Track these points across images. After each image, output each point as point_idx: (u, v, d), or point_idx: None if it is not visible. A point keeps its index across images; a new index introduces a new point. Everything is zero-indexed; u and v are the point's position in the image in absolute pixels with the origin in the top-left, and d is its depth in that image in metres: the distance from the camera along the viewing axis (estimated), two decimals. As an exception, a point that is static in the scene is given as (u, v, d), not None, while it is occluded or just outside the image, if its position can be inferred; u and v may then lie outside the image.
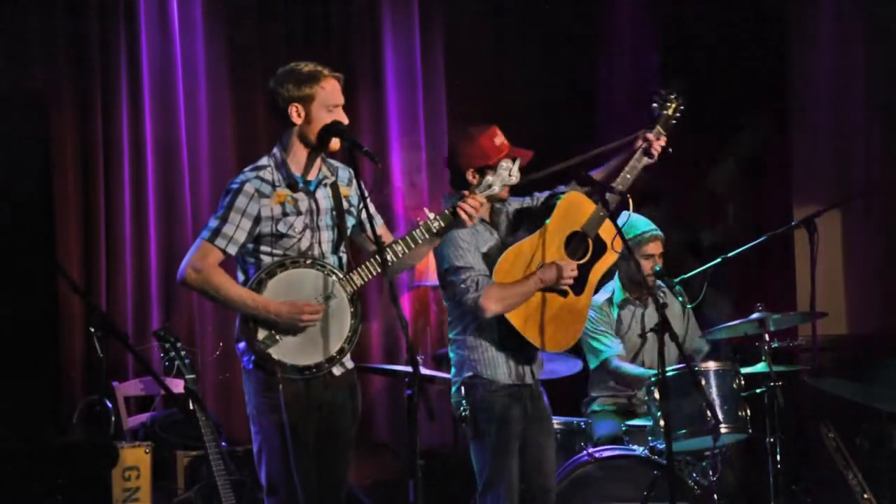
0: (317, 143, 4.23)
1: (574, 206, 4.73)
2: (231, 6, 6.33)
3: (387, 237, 4.36)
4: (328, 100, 4.22)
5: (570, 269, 4.67)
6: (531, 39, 7.22)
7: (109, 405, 5.59)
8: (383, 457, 6.42)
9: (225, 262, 4.24)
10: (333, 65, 6.47)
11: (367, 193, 4.27)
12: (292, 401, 4.09)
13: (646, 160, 4.83)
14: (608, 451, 5.26)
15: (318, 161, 4.28)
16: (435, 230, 4.29)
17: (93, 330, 3.82)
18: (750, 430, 5.21)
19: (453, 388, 4.75)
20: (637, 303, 5.88)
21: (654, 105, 4.94)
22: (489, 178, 4.38)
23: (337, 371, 4.26)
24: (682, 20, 7.25)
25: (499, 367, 4.67)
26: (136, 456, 5.33)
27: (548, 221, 4.71)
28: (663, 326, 4.48)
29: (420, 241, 4.27)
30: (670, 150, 4.86)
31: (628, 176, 4.80)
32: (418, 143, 6.83)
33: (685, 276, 5.66)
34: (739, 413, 5.18)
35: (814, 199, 6.69)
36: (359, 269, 4.22)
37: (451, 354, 4.77)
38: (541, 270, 4.64)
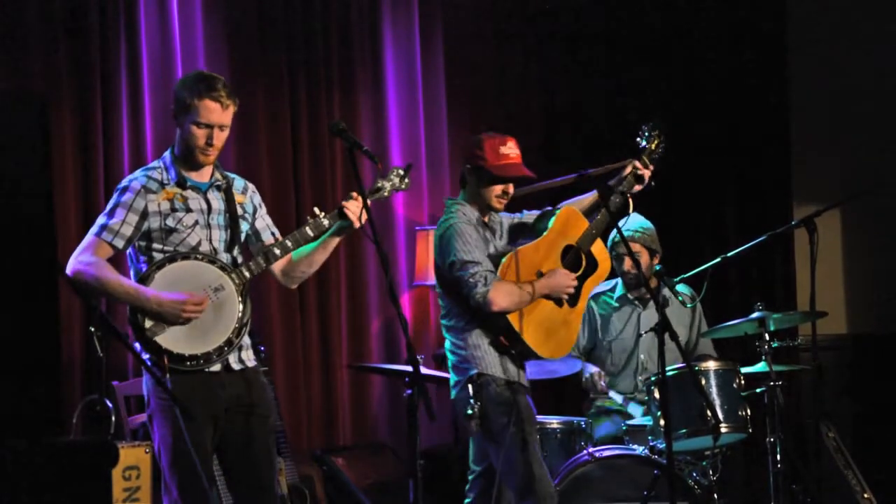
0: (184, 153, 4.31)
1: (569, 221, 4.84)
2: (231, 6, 6.33)
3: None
4: (197, 116, 4.26)
5: (572, 280, 4.77)
6: (531, 40, 7.22)
7: (109, 405, 5.58)
8: (383, 457, 6.41)
9: (120, 262, 4.37)
10: (333, 64, 6.59)
11: (367, 195, 4.31)
12: (187, 401, 4.08)
13: (637, 186, 4.99)
14: (608, 451, 5.26)
15: (210, 167, 4.36)
16: (326, 227, 4.35)
17: (93, 330, 3.82)
18: (750, 430, 5.21)
19: (456, 389, 4.75)
20: (637, 303, 5.88)
21: (638, 139, 5.11)
22: (380, 181, 4.50)
23: (236, 366, 4.31)
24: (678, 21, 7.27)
25: (499, 366, 4.70)
26: (136, 456, 5.32)
27: (546, 233, 4.80)
28: (663, 326, 4.48)
29: (311, 236, 4.34)
30: (653, 184, 5.03)
31: (617, 200, 4.93)
32: (418, 142, 6.83)
33: (685, 276, 5.65)
34: (739, 413, 5.19)
35: (814, 199, 6.69)
36: (248, 263, 4.31)
37: (451, 354, 4.77)
38: (547, 277, 4.72)
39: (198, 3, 6.21)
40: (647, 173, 4.98)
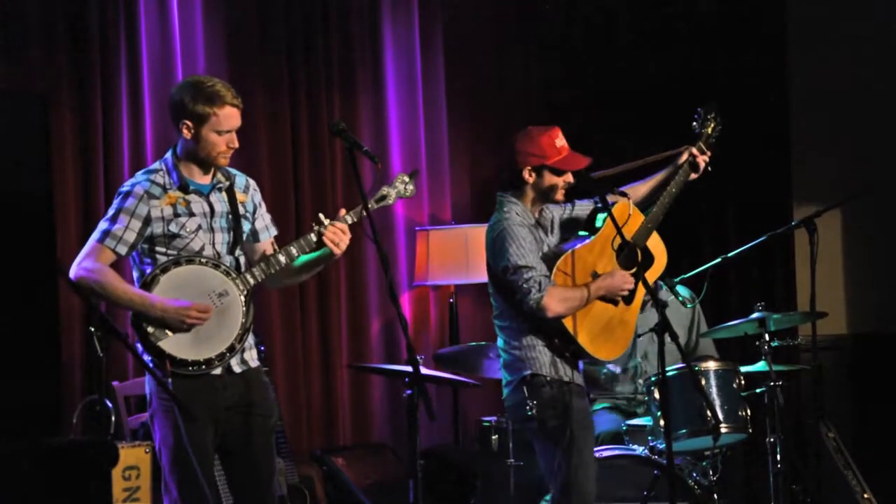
0: (203, 160, 4.30)
1: (623, 216, 4.70)
2: (231, 6, 6.33)
3: (269, 251, 4.42)
4: (219, 125, 4.27)
5: (628, 279, 4.68)
6: (531, 39, 7.22)
7: (109, 405, 5.59)
8: (383, 457, 6.42)
9: (123, 266, 4.36)
10: (333, 64, 6.59)
11: (366, 195, 4.31)
12: (188, 402, 4.08)
13: (692, 175, 4.89)
14: (608, 451, 5.26)
15: (212, 169, 4.35)
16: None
17: (93, 330, 3.82)
18: (750, 430, 5.21)
19: (509, 388, 4.71)
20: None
21: (694, 124, 5.00)
22: (385, 189, 4.45)
23: (238, 368, 4.30)
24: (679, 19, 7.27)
25: (554, 366, 4.65)
26: (136, 456, 5.32)
27: (600, 230, 4.73)
28: (663, 326, 4.48)
29: (315, 243, 4.30)
30: (710, 168, 4.91)
31: (674, 190, 4.85)
32: (418, 142, 6.83)
33: (685, 277, 5.65)
34: (739, 413, 5.18)
35: (814, 199, 6.69)
36: (252, 269, 4.29)
37: (504, 353, 4.73)
38: (602, 278, 4.65)
39: (198, 3, 6.21)
40: (703, 160, 4.88)
